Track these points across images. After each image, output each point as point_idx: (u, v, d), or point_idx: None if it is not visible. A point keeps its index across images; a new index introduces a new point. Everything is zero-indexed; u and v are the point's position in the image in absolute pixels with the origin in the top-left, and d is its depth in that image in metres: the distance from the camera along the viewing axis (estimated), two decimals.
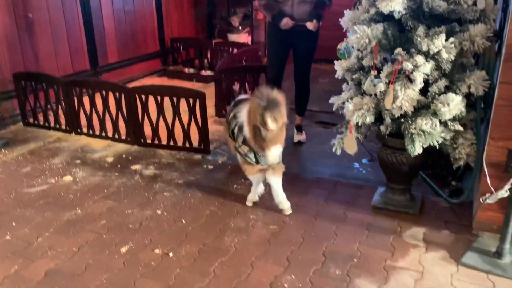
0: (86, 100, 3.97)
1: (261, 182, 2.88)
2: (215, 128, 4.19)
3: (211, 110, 4.36)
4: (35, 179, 3.27)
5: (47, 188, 3.15)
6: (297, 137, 3.95)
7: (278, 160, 2.64)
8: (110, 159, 3.60)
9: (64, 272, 2.30)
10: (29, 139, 4.04)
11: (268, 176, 2.73)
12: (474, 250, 2.38)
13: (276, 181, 2.74)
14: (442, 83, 2.37)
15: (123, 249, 2.47)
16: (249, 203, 2.90)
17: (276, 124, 2.40)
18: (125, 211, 2.85)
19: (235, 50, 5.64)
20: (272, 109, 2.37)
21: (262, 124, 2.41)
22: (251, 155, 2.65)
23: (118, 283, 2.22)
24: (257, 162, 2.66)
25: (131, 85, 4.15)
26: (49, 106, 4.19)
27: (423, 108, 2.44)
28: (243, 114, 2.66)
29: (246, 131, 2.60)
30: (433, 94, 2.39)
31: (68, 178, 3.28)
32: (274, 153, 2.57)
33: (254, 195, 2.89)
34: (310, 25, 3.55)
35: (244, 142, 2.64)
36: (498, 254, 2.30)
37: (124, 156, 3.66)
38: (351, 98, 2.59)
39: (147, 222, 2.73)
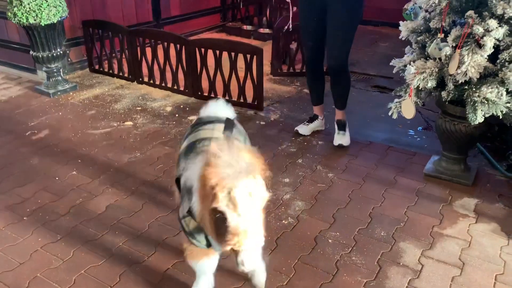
0: (148, 50, 4.11)
1: (212, 274, 1.87)
2: (269, 86, 4.21)
3: (266, 68, 4.38)
4: (99, 122, 3.48)
5: (110, 131, 3.35)
6: (338, 139, 3.10)
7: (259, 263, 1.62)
8: (168, 109, 3.74)
9: (123, 208, 2.49)
10: (94, 84, 4.26)
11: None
12: None
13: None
14: None
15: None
16: None
17: (253, 205, 1.36)
18: None
19: (295, 9, 5.53)
20: (244, 182, 1.33)
21: (229, 207, 1.33)
22: (200, 237, 1.63)
23: (172, 222, 2.37)
24: (209, 245, 1.66)
25: (191, 39, 4.22)
26: (113, 54, 4.37)
27: (489, 75, 2.33)
28: (194, 172, 1.54)
29: (196, 204, 1.52)
30: (502, 61, 2.28)
31: (129, 123, 3.46)
32: (253, 252, 1.41)
33: None
34: None
35: (191, 213, 1.58)
36: None
37: (182, 106, 3.79)
38: (414, 61, 2.51)
39: None
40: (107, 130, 3.36)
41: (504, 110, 2.31)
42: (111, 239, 2.25)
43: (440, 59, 2.41)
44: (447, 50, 2.34)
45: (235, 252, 1.39)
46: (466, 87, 2.37)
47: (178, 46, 3.85)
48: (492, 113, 2.32)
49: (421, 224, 2.37)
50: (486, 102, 2.29)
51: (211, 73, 3.78)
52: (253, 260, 1.40)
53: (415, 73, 2.45)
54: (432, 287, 1.97)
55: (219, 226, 1.38)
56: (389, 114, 2.71)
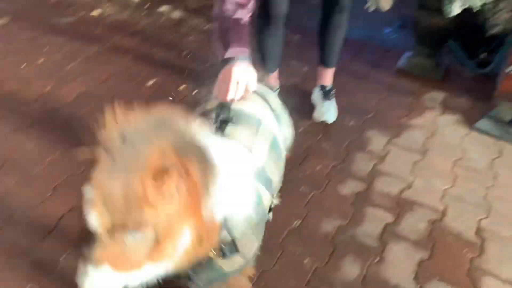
0: None
1: None
2: None
3: None
4: (64, 11, 3.28)
5: (77, 20, 3.17)
6: (323, 113, 2.31)
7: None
8: None
9: (94, 96, 2.45)
10: None
11: None
12: (489, 118, 2.42)
13: None
14: None
15: (150, 82, 2.58)
16: None
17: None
18: (151, 49, 2.90)
19: None
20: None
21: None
22: None
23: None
24: None
25: None
26: None
27: None
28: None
29: None
30: None
31: (96, 13, 3.28)
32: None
33: None
34: None
35: None
36: None
37: None
38: None
39: (173, 61, 2.79)
40: (73, 19, 3.18)
41: (481, 2, 2.29)
42: None
43: None
44: None
45: None
46: None
47: None
48: (468, 8, 2.31)
49: (389, 115, 2.44)
50: None
51: None
52: None
53: None
54: (394, 170, 2.09)
55: None
56: (367, 6, 2.64)
